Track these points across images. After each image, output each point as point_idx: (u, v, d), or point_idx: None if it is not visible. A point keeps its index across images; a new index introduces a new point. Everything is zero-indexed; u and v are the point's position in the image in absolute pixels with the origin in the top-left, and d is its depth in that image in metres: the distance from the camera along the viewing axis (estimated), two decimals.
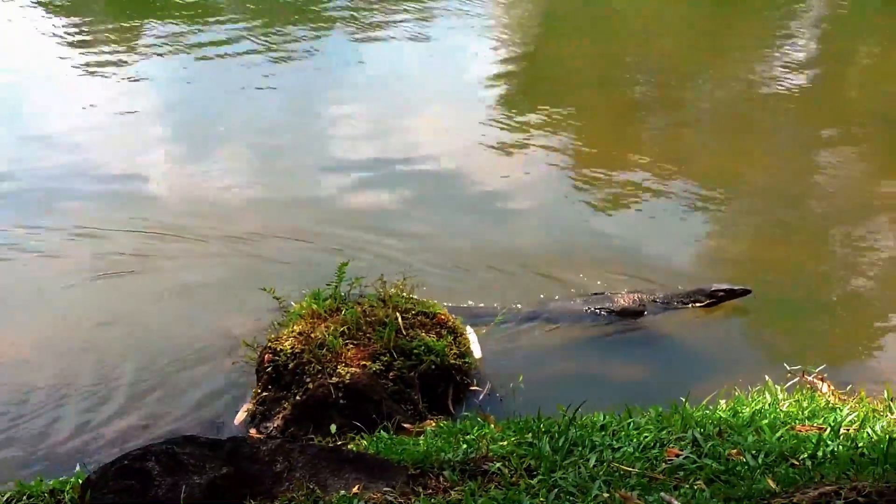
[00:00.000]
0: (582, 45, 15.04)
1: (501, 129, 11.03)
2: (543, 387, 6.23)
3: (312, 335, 5.72)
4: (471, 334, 6.53)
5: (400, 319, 5.90)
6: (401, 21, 15.22)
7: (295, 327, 5.85)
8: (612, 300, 7.35)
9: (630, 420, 4.70)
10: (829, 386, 5.73)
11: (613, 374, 6.80)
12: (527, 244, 8.35)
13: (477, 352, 6.44)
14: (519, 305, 7.31)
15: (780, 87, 12.66)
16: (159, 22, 14.80)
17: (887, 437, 4.29)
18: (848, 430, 4.56)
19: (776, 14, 16.91)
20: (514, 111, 11.60)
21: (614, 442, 4.38)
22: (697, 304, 7.40)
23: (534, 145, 10.61)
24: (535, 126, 11.09)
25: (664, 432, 4.46)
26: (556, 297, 7.45)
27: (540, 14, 17.11)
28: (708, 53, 14.62)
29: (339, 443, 4.88)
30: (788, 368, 5.80)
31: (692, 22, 16.56)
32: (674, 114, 12.14)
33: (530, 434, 4.46)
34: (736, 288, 7.36)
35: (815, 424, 4.69)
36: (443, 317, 6.12)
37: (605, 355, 7.05)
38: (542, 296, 7.48)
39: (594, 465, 4.08)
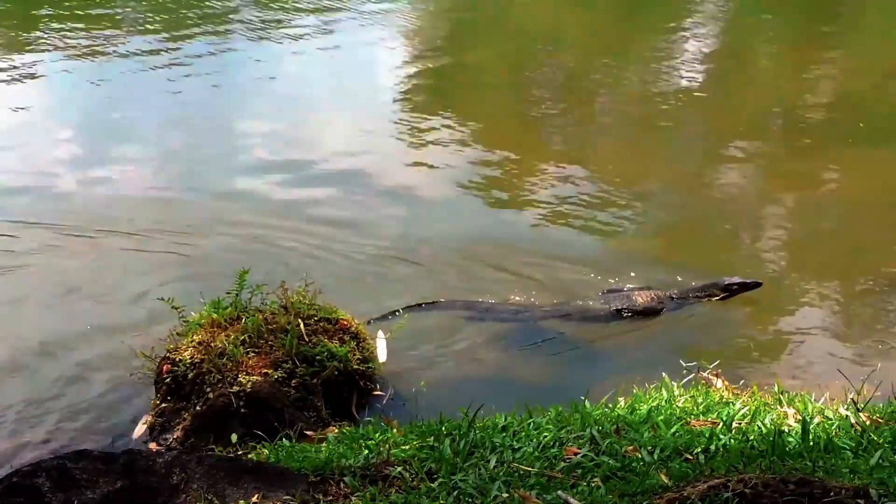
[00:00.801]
0: (487, 49, 15.17)
1: (408, 132, 11.08)
2: (448, 390, 6.27)
3: (212, 344, 5.65)
4: (380, 339, 6.54)
5: (302, 326, 5.87)
6: (306, 30, 15.13)
7: (194, 337, 5.77)
8: (631, 299, 7.47)
9: (531, 420, 4.76)
10: (723, 381, 5.88)
11: (519, 376, 6.87)
12: (435, 239, 8.43)
13: (382, 356, 6.45)
14: (537, 303, 7.49)
15: (679, 87, 12.96)
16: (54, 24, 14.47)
17: (775, 429, 4.44)
18: (740, 423, 4.70)
19: (673, 14, 17.28)
20: (420, 116, 11.66)
21: (515, 442, 4.43)
22: (713, 298, 7.56)
23: (440, 147, 10.68)
24: (441, 129, 11.17)
25: (563, 431, 4.52)
26: (578, 298, 7.57)
27: (446, 20, 17.21)
28: (608, 55, 14.87)
29: (240, 452, 4.83)
30: (684, 365, 5.94)
31: (593, 25, 16.84)
32: (576, 115, 12.35)
33: (432, 437, 4.48)
34: (748, 281, 7.59)
35: (709, 419, 4.82)
36: (345, 322, 6.10)
37: (511, 357, 7.12)
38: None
39: (494, 466, 4.12)
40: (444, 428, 4.57)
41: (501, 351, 7.16)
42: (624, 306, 7.41)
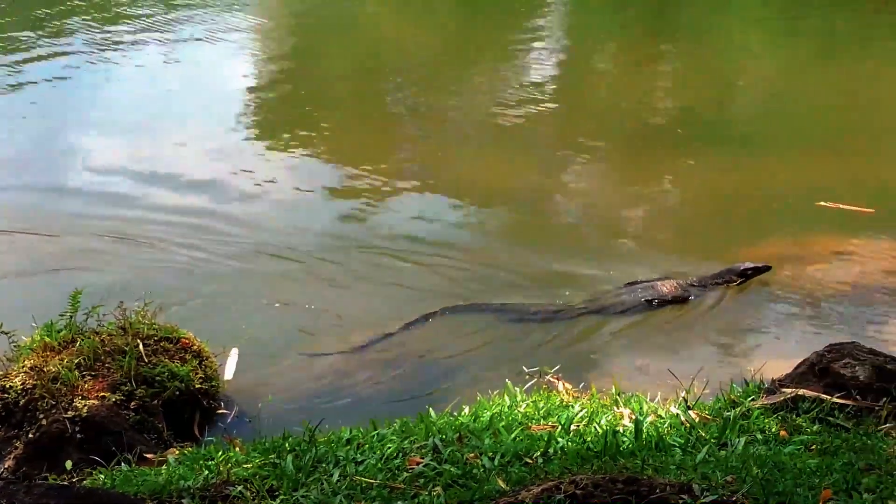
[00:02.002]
0: (337, 58, 15.16)
1: (257, 144, 10.96)
2: (297, 405, 6.22)
3: (45, 369, 5.43)
4: (232, 356, 6.44)
5: (142, 347, 5.71)
6: (149, 41, 14.76)
7: (26, 362, 5.53)
8: (657, 289, 7.73)
9: (375, 432, 4.78)
10: (564, 385, 6.04)
11: (370, 389, 6.87)
12: (283, 245, 8.44)
13: (229, 373, 6.35)
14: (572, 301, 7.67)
15: (532, 94, 13.21)
16: None
17: (611, 430, 4.60)
18: (578, 426, 4.84)
19: (528, 16, 17.62)
20: (269, 127, 11.54)
21: (359, 455, 4.44)
22: (732, 283, 7.86)
23: (290, 160, 10.58)
24: (291, 141, 11.06)
25: (407, 442, 4.56)
26: (608, 290, 7.78)
27: (293, 31, 17.08)
28: (462, 62, 15.07)
29: (75, 479, 4.66)
30: (526, 371, 6.07)
31: (445, 33, 17.03)
32: (429, 124, 12.46)
33: (275, 454, 4.45)
34: (760, 265, 7.94)
35: (549, 423, 4.95)
36: (186, 341, 5.98)
37: (359, 369, 7.10)
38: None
39: (337, 480, 4.12)
40: (286, 444, 4.54)
41: (354, 364, 7.15)
42: (653, 297, 7.71)
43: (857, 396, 4.79)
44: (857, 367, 4.90)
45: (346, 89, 13.89)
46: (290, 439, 4.62)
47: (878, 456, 4.11)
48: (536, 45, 16.16)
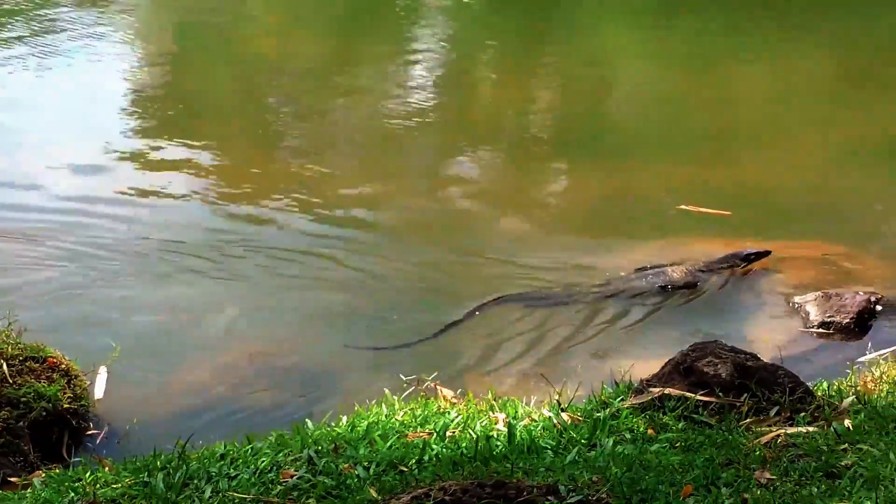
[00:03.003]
0: (217, 66, 14.94)
1: (132, 156, 10.71)
2: (169, 423, 6.10)
3: None
4: (101, 374, 6.29)
5: (5, 367, 5.54)
6: (21, 52, 14.27)
7: None
8: (668, 274, 8.01)
9: (250, 447, 4.73)
10: (442, 392, 6.09)
11: (247, 402, 6.80)
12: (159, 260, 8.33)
13: (100, 392, 6.20)
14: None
15: (413, 102, 13.26)
16: None
17: (484, 434, 4.67)
18: (454, 432, 4.89)
19: (409, 24, 17.68)
20: (148, 144, 11.25)
21: (232, 470, 4.39)
22: (737, 267, 8.20)
23: (167, 173, 10.37)
24: (170, 160, 10.81)
25: (282, 455, 4.53)
26: (621, 275, 8.09)
27: (169, 45, 16.74)
28: (345, 70, 15.02)
29: None
30: (404, 379, 6.10)
31: (328, 40, 16.95)
32: (311, 137, 12.38)
33: (145, 472, 4.36)
34: (761, 251, 8.29)
35: (425, 430, 4.99)
36: (54, 360, 5.81)
37: (238, 382, 7.02)
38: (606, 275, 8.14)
39: (209, 497, 4.07)
40: (157, 462, 4.46)
41: (233, 377, 7.07)
42: (666, 282, 7.96)
43: (720, 393, 4.96)
44: (719, 365, 5.07)
45: (226, 98, 13.70)
46: (161, 457, 4.53)
47: (737, 451, 4.27)
48: (418, 53, 16.23)
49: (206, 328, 7.49)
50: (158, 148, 11.03)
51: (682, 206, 9.35)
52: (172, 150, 10.95)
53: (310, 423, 5.25)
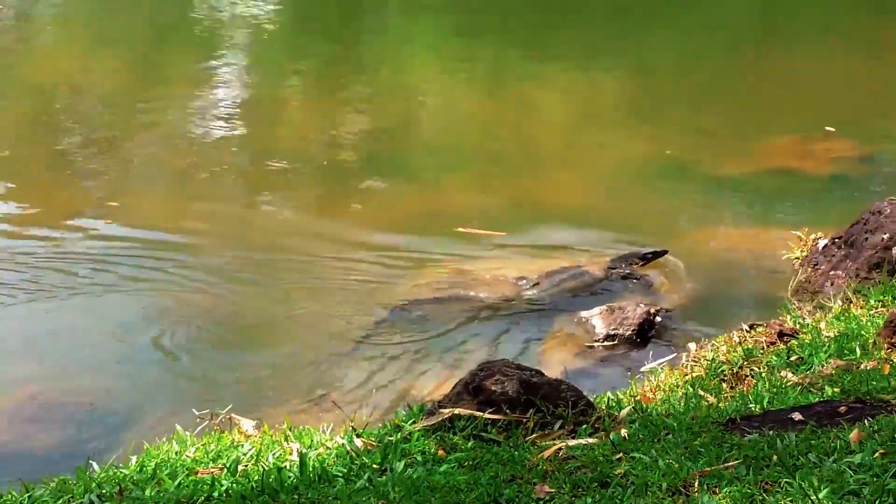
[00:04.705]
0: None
1: None
2: None
3: None
4: None
5: None
6: None
7: None
8: (589, 273, 8.65)
9: (27, 495, 4.52)
10: (239, 424, 6.00)
11: (28, 446, 6.51)
12: None
13: None
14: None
15: (215, 133, 13.03)
16: None
17: (275, 466, 4.63)
18: (246, 466, 4.83)
19: (213, 48, 17.34)
20: None
21: None
22: (637, 265, 8.85)
23: None
24: None
25: (62, 501, 4.36)
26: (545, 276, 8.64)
27: None
28: (145, 94, 14.59)
29: None
30: (197, 414, 5.98)
31: (129, 62, 16.44)
32: (112, 159, 12.01)
33: None
34: (658, 250, 8.98)
35: (217, 465, 4.89)
36: None
37: (17, 424, 6.73)
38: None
39: None
40: None
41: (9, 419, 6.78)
42: (592, 280, 8.58)
43: (507, 410, 5.11)
44: (505, 383, 5.22)
45: (14, 125, 13.09)
46: None
47: (521, 466, 4.41)
48: (222, 75, 16.01)
49: None
50: None
51: (460, 229, 9.75)
52: None
53: (96, 466, 5.05)
